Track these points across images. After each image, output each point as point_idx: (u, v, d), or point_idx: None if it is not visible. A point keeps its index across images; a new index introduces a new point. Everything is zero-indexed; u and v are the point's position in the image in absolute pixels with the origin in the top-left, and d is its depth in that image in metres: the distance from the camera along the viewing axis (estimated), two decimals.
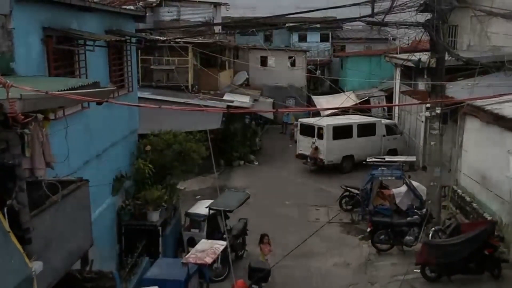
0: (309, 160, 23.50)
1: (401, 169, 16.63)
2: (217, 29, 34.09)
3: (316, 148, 22.91)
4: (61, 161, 9.73)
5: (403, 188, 16.83)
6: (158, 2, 33.41)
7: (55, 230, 6.58)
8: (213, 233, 13.54)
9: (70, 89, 6.53)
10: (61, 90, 6.18)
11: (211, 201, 14.44)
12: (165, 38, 16.18)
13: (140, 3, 32.62)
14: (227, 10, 38.18)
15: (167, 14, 33.75)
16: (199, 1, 34.63)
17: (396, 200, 16.58)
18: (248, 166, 25.11)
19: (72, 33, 9.36)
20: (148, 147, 14.52)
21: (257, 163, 25.52)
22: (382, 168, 16.67)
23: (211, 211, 13.60)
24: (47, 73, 9.01)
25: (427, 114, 14.81)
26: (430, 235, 13.99)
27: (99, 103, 8.04)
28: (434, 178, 15.04)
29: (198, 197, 20.17)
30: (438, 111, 14.52)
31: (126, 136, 14.07)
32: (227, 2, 37.41)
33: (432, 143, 14.93)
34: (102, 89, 7.35)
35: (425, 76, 22.02)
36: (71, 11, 10.08)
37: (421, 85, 14.78)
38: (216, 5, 36.21)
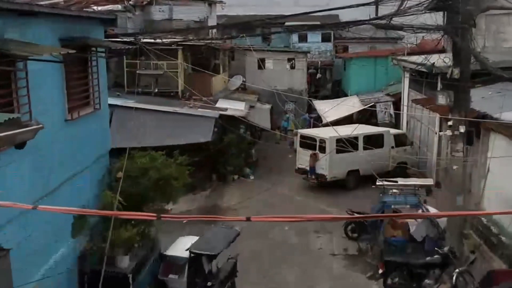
0: (309, 175, 21.31)
1: (417, 195, 14.38)
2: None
3: (315, 155, 20.74)
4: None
5: None
6: (148, 0, 31.26)
7: None
8: (196, 279, 11.33)
9: None
10: None
11: (194, 237, 12.22)
12: (138, 42, 13.83)
13: (130, 2, 30.58)
14: (223, 9, 36.06)
15: (159, 13, 31.66)
16: None
17: (411, 229, 14.34)
18: (243, 181, 22.86)
19: None
20: (120, 174, 12.29)
21: (253, 178, 23.29)
22: (395, 193, 14.43)
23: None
24: None
25: (449, 133, 12.57)
26: (454, 278, 11.78)
27: None
28: (456, 207, 12.83)
29: (185, 221, 17.98)
30: (462, 130, 12.30)
31: (93, 162, 11.88)
32: (222, 0, 35.29)
33: (454, 167, 12.70)
34: (13, 132, 5.13)
35: (439, 83, 19.93)
36: (5, 16, 7.89)
37: (442, 98, 12.42)
38: (211, 3, 34.08)
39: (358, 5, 13.60)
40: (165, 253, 11.97)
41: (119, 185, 11.94)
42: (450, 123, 12.49)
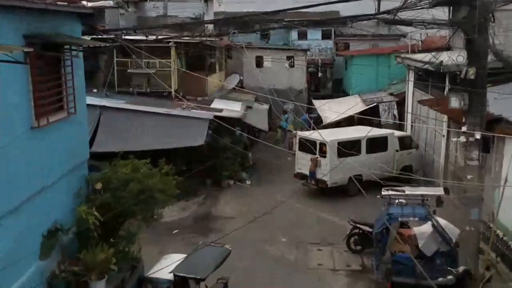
0: (309, 180, 20.13)
1: (427, 206, 13.14)
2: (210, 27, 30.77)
3: (316, 159, 19.61)
4: None
5: (427, 227, 13.35)
6: None
7: None
8: None
9: None
10: None
11: (180, 256, 10.99)
12: (119, 39, 12.55)
13: None
14: (220, 5, 34.94)
15: (153, 9, 30.58)
16: None
17: (419, 243, 13.08)
18: (239, 187, 21.66)
19: None
20: (99, 185, 11.11)
21: (249, 183, 22.09)
22: (402, 203, 13.17)
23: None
24: None
25: (463, 139, 11.35)
26: None
27: None
28: (471, 221, 11.62)
29: (176, 231, 16.85)
30: (478, 137, 11.08)
31: (68, 172, 10.65)
32: None
33: (469, 177, 11.48)
34: None
35: (447, 82, 18.74)
36: None
37: (455, 101, 11.19)
38: None
39: None
40: (147, 275, 10.73)
41: (97, 197, 10.83)
42: (464, 128, 11.26)
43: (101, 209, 10.43)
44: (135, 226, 11.19)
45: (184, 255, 10.95)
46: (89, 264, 9.48)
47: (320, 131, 20.21)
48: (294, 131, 25.56)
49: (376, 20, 32.96)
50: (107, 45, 12.40)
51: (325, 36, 37.53)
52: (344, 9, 24.26)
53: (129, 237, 11.00)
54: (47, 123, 9.43)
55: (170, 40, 21.16)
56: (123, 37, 12.91)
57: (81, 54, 11.02)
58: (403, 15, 11.44)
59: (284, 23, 12.96)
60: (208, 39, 24.07)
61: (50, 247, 9.54)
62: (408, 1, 11.24)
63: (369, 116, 26.41)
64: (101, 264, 9.54)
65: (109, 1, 28.62)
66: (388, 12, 11.05)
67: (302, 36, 37.36)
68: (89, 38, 13.97)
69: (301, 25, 18.58)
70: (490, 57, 11.52)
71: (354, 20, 11.43)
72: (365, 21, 29.71)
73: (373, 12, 17.74)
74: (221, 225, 17.25)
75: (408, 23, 10.85)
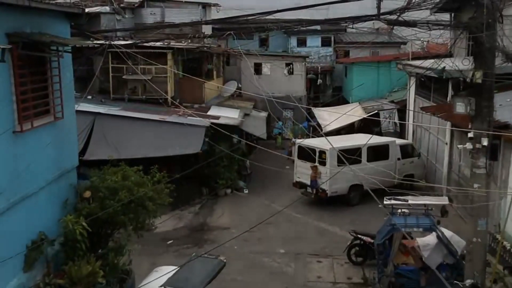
0: (309, 189, 19.57)
1: (431, 216, 12.57)
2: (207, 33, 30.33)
3: (316, 167, 19.07)
4: None
5: (432, 239, 12.78)
6: (139, 2, 29.75)
7: None
8: None
9: None
10: None
11: (173, 268, 10.42)
12: (110, 41, 12.06)
13: (122, 4, 28.97)
14: (218, 12, 34.52)
15: (150, 16, 30.16)
16: (185, 2, 30.95)
17: (423, 254, 12.52)
18: (237, 196, 21.11)
19: None
20: (88, 193, 10.58)
21: (247, 191, 21.53)
22: (405, 213, 12.61)
23: None
24: None
25: (469, 146, 10.81)
26: None
27: None
28: (478, 232, 11.05)
29: (170, 241, 16.27)
30: (485, 143, 10.55)
31: (54, 180, 10.09)
32: (217, 3, 33.66)
33: (475, 185, 10.93)
34: None
35: (450, 89, 18.29)
36: None
37: (460, 106, 10.69)
38: (205, 5, 32.48)
39: None
40: None
41: (85, 207, 10.29)
42: (470, 135, 10.74)
43: (88, 219, 9.92)
44: (125, 237, 10.63)
45: (176, 268, 10.39)
46: (74, 277, 8.93)
47: (321, 138, 19.70)
48: (293, 139, 25.05)
49: (376, 28, 32.91)
50: (95, 44, 11.85)
51: (325, 43, 37.11)
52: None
53: (118, 248, 10.45)
54: (31, 128, 8.93)
55: (167, 45, 20.65)
56: (118, 42, 12.36)
57: (69, 55, 10.56)
58: (406, 16, 11.01)
59: (281, 22, 12.37)
60: (205, 44, 23.60)
61: (35, 258, 9.00)
62: (413, 1, 10.82)
63: (369, 124, 25.92)
64: (88, 277, 9.00)
65: (105, 6, 28.23)
66: (390, 12, 10.56)
67: (301, 43, 36.94)
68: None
69: (300, 26, 18.03)
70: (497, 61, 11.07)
71: (356, 21, 10.91)
72: (366, 29, 29.41)
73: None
74: (217, 236, 16.67)
75: (412, 24, 10.33)
